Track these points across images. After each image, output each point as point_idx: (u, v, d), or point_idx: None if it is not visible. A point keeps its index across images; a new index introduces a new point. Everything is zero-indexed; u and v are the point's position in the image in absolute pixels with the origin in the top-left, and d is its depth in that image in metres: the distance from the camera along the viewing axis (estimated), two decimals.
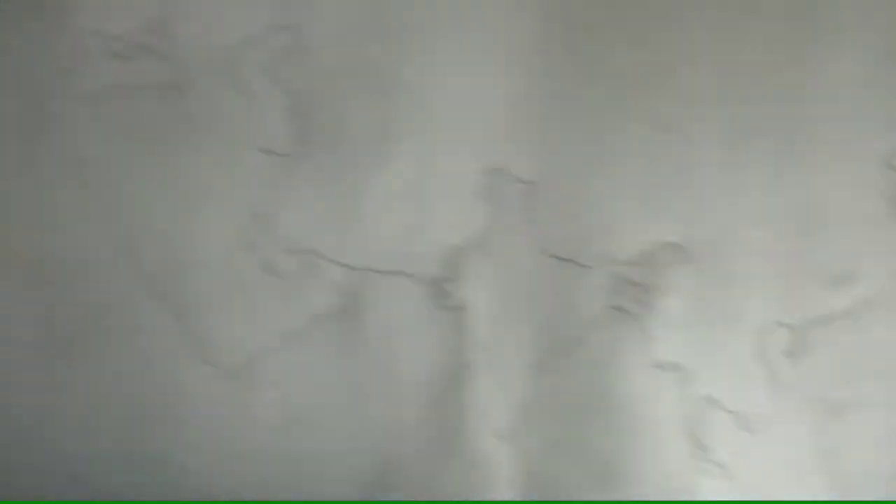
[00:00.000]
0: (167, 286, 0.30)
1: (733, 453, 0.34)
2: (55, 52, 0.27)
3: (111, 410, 0.30)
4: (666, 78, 0.30)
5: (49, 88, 0.28)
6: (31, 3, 0.29)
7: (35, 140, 0.32)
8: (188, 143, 0.29)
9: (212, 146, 0.29)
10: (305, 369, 0.32)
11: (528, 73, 0.30)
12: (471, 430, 0.34)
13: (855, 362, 0.34)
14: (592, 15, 0.30)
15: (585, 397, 0.32)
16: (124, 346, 0.30)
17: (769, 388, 0.32)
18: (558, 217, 0.31)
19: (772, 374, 0.31)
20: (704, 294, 0.31)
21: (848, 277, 0.34)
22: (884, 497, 0.35)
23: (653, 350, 0.32)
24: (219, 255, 0.30)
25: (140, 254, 0.30)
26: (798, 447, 0.32)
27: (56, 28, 0.27)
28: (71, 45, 0.27)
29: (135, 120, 0.28)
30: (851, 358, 0.34)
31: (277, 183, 0.30)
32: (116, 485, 0.32)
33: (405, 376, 0.33)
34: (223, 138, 0.29)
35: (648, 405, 0.32)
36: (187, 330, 0.30)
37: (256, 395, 0.32)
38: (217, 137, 0.29)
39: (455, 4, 0.30)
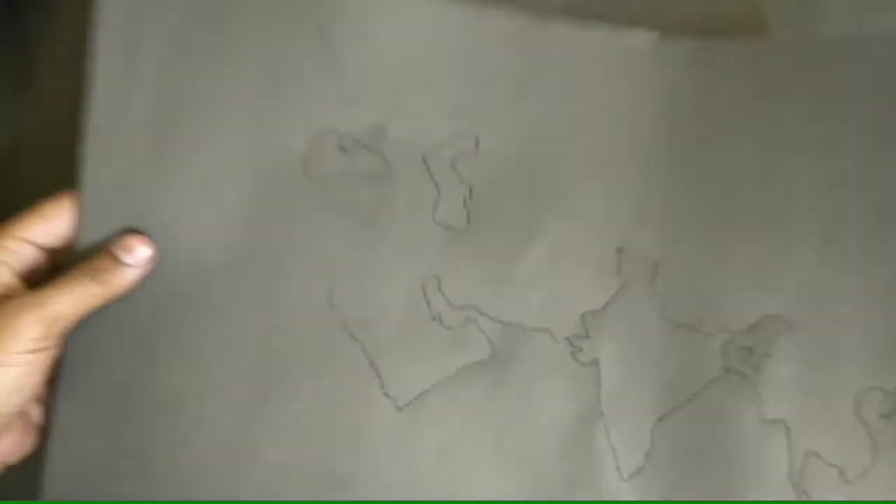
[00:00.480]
0: (359, 330, 0.36)
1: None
2: (296, 144, 0.36)
3: (311, 433, 0.37)
4: (771, 171, 0.36)
5: (287, 171, 0.36)
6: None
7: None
8: (388, 219, 0.37)
9: (404, 222, 0.37)
10: (460, 407, 0.37)
11: (654, 165, 0.37)
12: (600, 472, 0.38)
13: None
14: (714, 107, 0.36)
15: (702, 446, 0.36)
16: (322, 377, 0.37)
17: (867, 445, 0.35)
18: (679, 289, 0.36)
19: (869, 433, 0.35)
20: (807, 359, 0.36)
21: None
22: None
23: (762, 408, 0.36)
24: (400, 306, 0.37)
25: (341, 302, 0.37)
26: (892, 496, 0.35)
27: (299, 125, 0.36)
28: (312, 139, 0.35)
29: (350, 199, 0.36)
30: None
31: (450, 251, 0.37)
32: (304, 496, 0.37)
33: (544, 420, 0.38)
34: (414, 216, 0.36)
35: (758, 456, 0.36)
36: (373, 367, 0.37)
37: (420, 426, 0.37)
38: (410, 215, 0.37)
39: (592, 125, 0.37)
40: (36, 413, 0.35)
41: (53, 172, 0.38)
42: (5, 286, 0.31)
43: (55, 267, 0.34)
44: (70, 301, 0.30)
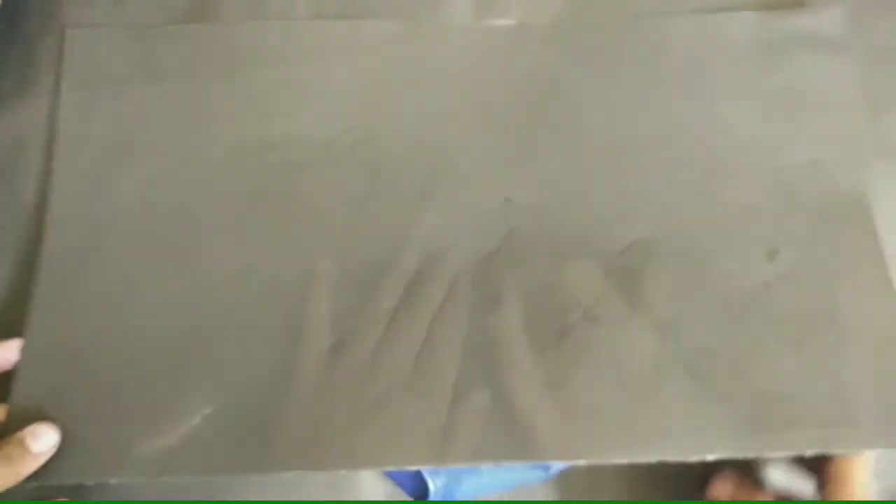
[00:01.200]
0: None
1: None
2: (218, 152, 0.40)
3: None
4: (616, 125, 0.42)
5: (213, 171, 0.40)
6: None
7: None
8: (299, 201, 0.42)
9: (317, 202, 0.42)
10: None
11: (528, 128, 0.43)
12: (516, 395, 0.37)
13: None
14: None
15: (599, 355, 0.37)
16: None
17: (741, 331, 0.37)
18: (560, 228, 0.40)
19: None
20: (674, 271, 0.39)
21: None
22: None
23: (649, 314, 0.38)
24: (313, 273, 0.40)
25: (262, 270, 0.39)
26: None
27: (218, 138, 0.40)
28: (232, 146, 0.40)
29: (266, 188, 0.41)
30: None
31: (356, 222, 0.42)
32: None
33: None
34: (325, 196, 0.42)
35: (652, 357, 0.36)
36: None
37: None
38: (321, 196, 0.42)
39: (470, 100, 0.43)
40: None
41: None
42: None
43: None
44: None
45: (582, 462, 0.35)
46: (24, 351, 0.36)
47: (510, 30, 0.43)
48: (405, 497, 0.38)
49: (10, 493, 0.32)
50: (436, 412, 0.36)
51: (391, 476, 0.39)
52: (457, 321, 0.38)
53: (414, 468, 0.36)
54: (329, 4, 0.44)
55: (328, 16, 0.44)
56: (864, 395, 0.36)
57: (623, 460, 0.35)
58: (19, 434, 0.34)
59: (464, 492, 0.37)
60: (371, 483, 0.38)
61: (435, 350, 0.37)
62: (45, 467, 0.34)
